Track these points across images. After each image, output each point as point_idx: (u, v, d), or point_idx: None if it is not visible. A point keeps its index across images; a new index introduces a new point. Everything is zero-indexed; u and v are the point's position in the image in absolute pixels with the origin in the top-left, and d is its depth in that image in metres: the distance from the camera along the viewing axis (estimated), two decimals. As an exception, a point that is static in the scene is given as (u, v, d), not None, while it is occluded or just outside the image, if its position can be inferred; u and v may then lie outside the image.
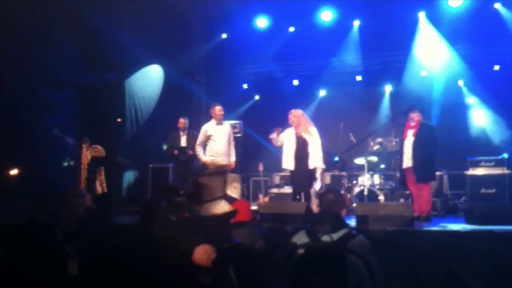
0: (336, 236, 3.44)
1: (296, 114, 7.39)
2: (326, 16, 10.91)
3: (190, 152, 8.40)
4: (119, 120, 10.82)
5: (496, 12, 10.29)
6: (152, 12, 9.82)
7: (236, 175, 6.45)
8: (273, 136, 7.43)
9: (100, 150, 8.77)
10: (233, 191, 6.23)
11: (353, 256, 3.31)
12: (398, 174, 9.06)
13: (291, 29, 11.54)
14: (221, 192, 6.35)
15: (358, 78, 11.93)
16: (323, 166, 7.68)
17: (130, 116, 10.90)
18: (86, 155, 8.68)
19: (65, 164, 10.26)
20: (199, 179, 5.93)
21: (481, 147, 10.32)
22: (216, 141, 7.95)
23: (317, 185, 8.30)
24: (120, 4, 9.27)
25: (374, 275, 3.37)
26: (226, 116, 9.01)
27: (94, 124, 9.76)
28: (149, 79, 11.37)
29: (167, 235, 3.34)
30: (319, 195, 4.25)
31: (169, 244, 3.26)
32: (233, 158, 8.17)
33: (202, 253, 3.15)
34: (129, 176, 10.72)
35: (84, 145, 8.67)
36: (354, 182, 9.93)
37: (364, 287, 3.30)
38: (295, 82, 12.47)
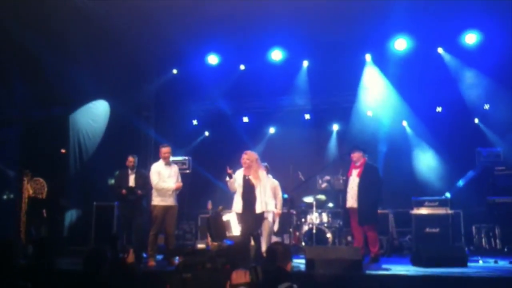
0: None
1: (250, 157, 7.27)
2: (276, 55, 11.08)
3: (139, 191, 8.20)
4: (63, 151, 10.56)
5: (439, 56, 10.76)
6: (101, 46, 9.69)
7: None
8: (228, 179, 7.29)
9: (41, 183, 8.55)
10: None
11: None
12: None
13: (242, 67, 11.64)
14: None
15: (307, 116, 12.11)
16: (274, 210, 7.67)
17: (74, 152, 10.61)
18: (27, 188, 8.43)
19: (5, 197, 9.96)
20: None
21: (425, 187, 10.59)
22: (166, 182, 7.82)
23: (275, 227, 8.35)
24: (70, 38, 9.09)
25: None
26: (175, 152, 8.91)
27: (37, 159, 9.49)
28: (94, 114, 11.21)
29: None
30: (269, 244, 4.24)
31: None
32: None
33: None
34: (71, 215, 10.36)
35: (25, 178, 8.43)
36: (303, 220, 9.97)
37: None
38: (245, 119, 12.52)
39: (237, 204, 7.24)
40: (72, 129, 10.67)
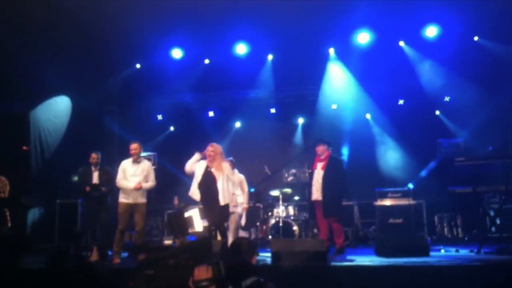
0: (245, 284, 3.46)
1: (215, 149, 7.21)
2: (241, 49, 11.05)
3: (104, 188, 8.06)
4: (24, 148, 10.33)
5: (400, 49, 10.93)
6: (63, 40, 9.48)
7: None
8: (196, 157, 7.20)
9: (3, 181, 8.39)
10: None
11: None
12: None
13: (206, 61, 11.56)
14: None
15: (272, 110, 12.17)
16: (232, 204, 7.62)
17: (35, 149, 10.39)
18: (-11, 186, 8.26)
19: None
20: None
21: (388, 178, 10.79)
22: (129, 180, 7.66)
23: (242, 221, 8.36)
24: (30, 32, 8.87)
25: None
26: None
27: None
28: (55, 110, 11.05)
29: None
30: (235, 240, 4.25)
31: None
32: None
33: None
34: (33, 213, 10.13)
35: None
36: (270, 213, 10.02)
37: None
38: (211, 114, 12.48)
39: (194, 192, 7.16)
40: (33, 125, 10.48)
